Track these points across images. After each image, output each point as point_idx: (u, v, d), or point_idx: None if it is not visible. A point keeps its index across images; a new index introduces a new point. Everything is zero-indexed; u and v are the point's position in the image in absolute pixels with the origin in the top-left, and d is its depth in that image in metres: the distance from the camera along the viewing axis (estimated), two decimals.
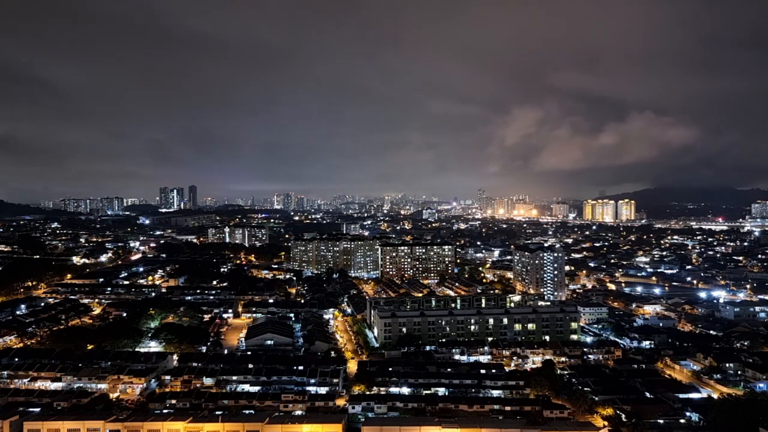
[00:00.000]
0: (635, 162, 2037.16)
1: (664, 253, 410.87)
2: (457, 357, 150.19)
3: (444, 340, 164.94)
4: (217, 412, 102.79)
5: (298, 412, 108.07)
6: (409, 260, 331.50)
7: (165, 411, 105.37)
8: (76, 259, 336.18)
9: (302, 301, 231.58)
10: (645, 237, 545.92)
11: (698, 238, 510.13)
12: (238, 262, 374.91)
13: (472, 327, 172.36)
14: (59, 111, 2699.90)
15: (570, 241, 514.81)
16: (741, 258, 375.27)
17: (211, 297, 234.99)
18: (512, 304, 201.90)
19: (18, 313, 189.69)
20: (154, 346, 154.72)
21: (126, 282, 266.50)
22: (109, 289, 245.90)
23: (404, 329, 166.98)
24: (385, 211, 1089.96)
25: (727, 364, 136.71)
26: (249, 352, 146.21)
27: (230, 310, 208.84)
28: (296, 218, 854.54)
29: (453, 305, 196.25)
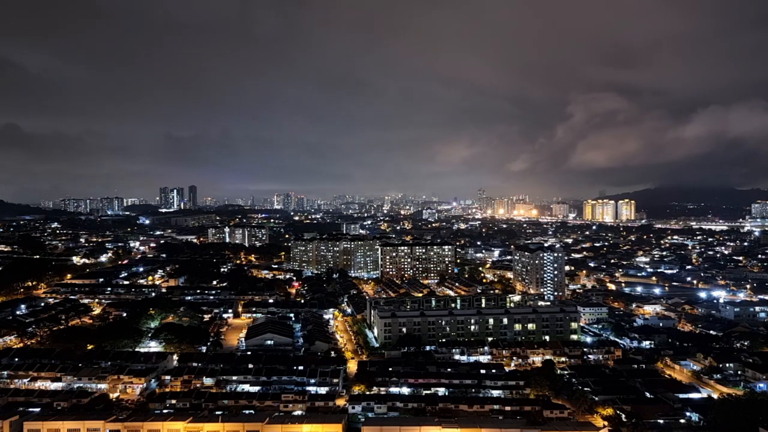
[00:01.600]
0: (665, 159, 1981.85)
1: (664, 253, 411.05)
2: (457, 357, 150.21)
3: (444, 340, 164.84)
4: (217, 412, 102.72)
5: (298, 412, 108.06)
6: (409, 260, 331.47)
7: (165, 411, 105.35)
8: (76, 259, 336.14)
9: (302, 301, 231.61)
10: (645, 237, 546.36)
11: (698, 238, 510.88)
12: (238, 262, 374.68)
13: (472, 327, 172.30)
14: (60, 109, 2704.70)
15: (570, 241, 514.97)
16: (741, 258, 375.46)
17: (211, 297, 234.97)
18: (512, 304, 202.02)
19: (18, 313, 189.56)
20: (154, 346, 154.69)
21: (126, 282, 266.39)
22: (109, 289, 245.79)
23: (404, 329, 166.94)
24: (385, 211, 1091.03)
25: (727, 364, 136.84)
26: (249, 352, 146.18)
27: (230, 310, 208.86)
28: (296, 218, 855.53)
29: (453, 305, 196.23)
